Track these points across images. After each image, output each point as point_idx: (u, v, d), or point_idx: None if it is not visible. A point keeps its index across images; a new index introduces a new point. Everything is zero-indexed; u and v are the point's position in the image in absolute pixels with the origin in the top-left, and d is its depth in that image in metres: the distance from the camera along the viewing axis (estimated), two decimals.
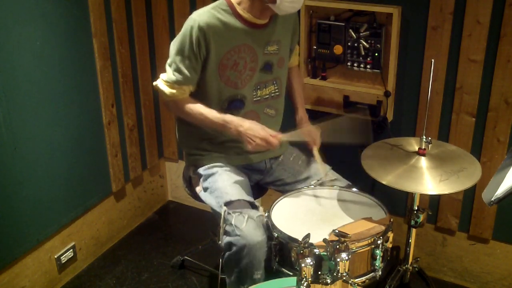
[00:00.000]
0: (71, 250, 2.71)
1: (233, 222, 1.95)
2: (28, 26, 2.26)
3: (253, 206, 2.04)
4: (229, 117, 2.07)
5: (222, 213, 1.99)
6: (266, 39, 2.10)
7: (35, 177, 2.43)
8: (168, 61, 2.07)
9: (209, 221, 2.16)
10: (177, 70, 2.04)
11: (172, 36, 2.89)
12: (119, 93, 2.81)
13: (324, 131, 2.20)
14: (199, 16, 1.99)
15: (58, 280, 2.69)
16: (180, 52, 2.02)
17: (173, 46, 2.05)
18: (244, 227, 1.93)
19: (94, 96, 2.66)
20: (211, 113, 2.07)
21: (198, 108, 2.08)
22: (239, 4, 2.04)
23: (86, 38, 2.55)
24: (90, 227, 2.82)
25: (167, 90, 2.08)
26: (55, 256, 2.63)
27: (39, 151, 2.43)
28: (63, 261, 2.67)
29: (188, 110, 2.09)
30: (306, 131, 2.25)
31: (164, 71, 2.10)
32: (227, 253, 1.99)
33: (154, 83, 2.14)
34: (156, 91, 2.18)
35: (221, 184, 2.10)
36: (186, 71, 2.03)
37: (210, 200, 2.12)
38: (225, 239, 1.98)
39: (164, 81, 2.08)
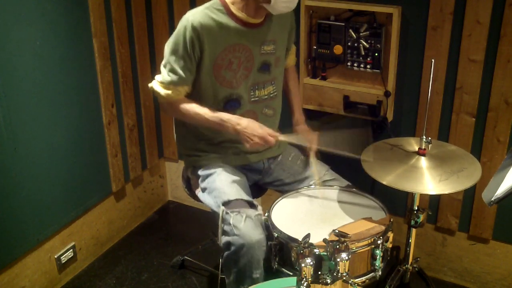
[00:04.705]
0: (71, 250, 2.71)
1: (231, 222, 1.94)
2: (28, 26, 2.26)
3: (252, 205, 2.03)
4: (226, 116, 2.06)
5: (220, 213, 1.99)
6: (262, 39, 2.09)
7: (35, 177, 2.43)
8: (163, 61, 2.06)
9: (209, 221, 2.15)
10: (172, 70, 2.03)
11: None
12: (119, 93, 2.81)
13: (323, 138, 2.20)
14: (193, 16, 1.98)
15: (58, 280, 2.69)
16: (174, 52, 2.01)
17: (167, 46, 2.04)
18: (242, 226, 1.93)
19: (94, 96, 2.66)
20: (208, 113, 2.06)
21: (193, 108, 2.07)
22: (233, 3, 2.03)
23: (86, 38, 2.55)
24: (90, 227, 2.82)
25: (162, 91, 2.06)
26: (55, 256, 2.63)
27: (39, 151, 2.43)
28: (63, 261, 2.67)
29: (184, 111, 2.08)
30: (303, 134, 2.26)
31: (159, 72, 2.10)
32: (226, 253, 1.99)
33: (149, 85, 2.12)
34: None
35: (219, 184, 2.09)
36: (181, 72, 2.02)
37: (209, 200, 2.12)
38: (224, 239, 1.98)
39: (159, 82, 2.07)
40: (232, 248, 1.95)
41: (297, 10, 2.37)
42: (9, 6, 2.17)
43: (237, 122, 2.04)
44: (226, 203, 2.01)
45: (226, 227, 1.97)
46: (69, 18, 2.45)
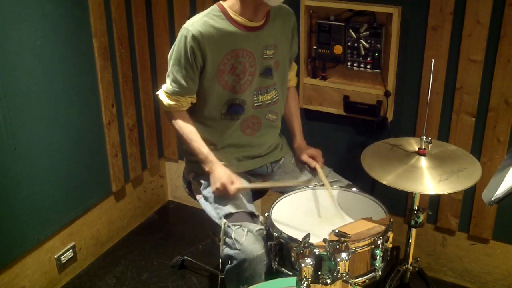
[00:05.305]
0: (71, 250, 2.71)
1: (233, 236, 1.95)
2: (28, 26, 2.26)
3: (253, 216, 2.04)
4: (210, 157, 2.08)
5: (222, 226, 2.00)
6: (264, 43, 2.08)
7: (35, 177, 2.43)
8: (167, 72, 2.08)
9: (209, 221, 2.15)
10: (175, 80, 2.04)
11: (172, 36, 2.89)
12: (119, 93, 2.81)
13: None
14: (192, 26, 1.97)
15: (58, 280, 2.69)
16: (176, 62, 2.02)
17: (170, 57, 2.05)
18: (244, 241, 1.93)
19: (94, 96, 2.66)
20: (198, 144, 2.09)
21: (189, 132, 2.10)
22: (231, 8, 2.02)
23: (86, 38, 2.55)
24: (90, 227, 2.82)
25: (165, 100, 2.09)
26: (55, 256, 2.63)
27: (39, 151, 2.43)
28: (63, 261, 2.67)
29: (179, 129, 2.11)
30: (308, 155, 2.26)
31: (161, 76, 2.11)
32: (227, 266, 2.01)
33: (157, 93, 2.15)
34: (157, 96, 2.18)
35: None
36: (183, 82, 2.03)
37: (210, 210, 2.12)
38: (226, 251, 1.99)
39: (164, 92, 2.09)
40: (234, 262, 1.96)
41: (297, 10, 2.38)
42: (9, 6, 2.17)
43: (214, 166, 2.07)
44: (227, 216, 2.01)
45: (228, 240, 1.98)
46: (69, 18, 2.45)
